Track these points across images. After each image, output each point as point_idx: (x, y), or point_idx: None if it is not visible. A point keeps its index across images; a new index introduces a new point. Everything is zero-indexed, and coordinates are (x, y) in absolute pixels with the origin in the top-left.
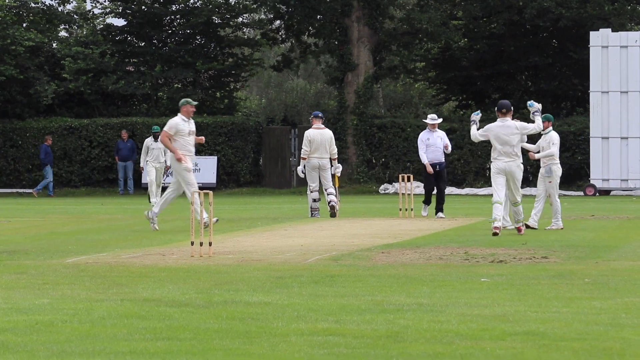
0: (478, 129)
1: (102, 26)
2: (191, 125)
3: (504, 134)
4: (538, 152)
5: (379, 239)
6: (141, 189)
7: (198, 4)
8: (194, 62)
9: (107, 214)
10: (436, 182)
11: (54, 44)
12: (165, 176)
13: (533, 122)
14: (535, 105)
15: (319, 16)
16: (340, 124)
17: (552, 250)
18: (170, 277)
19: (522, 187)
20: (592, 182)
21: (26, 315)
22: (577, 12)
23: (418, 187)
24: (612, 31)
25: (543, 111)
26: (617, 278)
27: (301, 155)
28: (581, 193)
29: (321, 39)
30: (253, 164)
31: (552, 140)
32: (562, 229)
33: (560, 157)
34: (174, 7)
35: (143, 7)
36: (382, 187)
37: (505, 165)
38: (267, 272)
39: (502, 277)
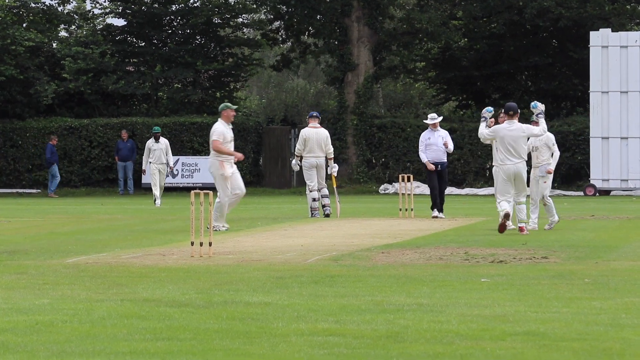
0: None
1: (102, 26)
2: (231, 131)
3: (511, 137)
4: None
5: (379, 239)
6: (141, 189)
7: (198, 4)
8: (194, 62)
9: (107, 214)
10: (434, 181)
11: (54, 44)
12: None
13: (536, 123)
14: (539, 107)
15: (319, 16)
16: (340, 124)
17: (552, 250)
18: (170, 277)
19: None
20: (592, 182)
21: (26, 315)
22: (577, 12)
23: (418, 187)
24: (612, 31)
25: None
26: (617, 278)
27: (295, 153)
28: (581, 193)
29: (321, 39)
30: (253, 164)
31: (551, 141)
32: (557, 221)
33: (561, 157)
34: (173, 7)
35: (143, 7)
36: (382, 187)
37: (513, 167)
38: (267, 272)
39: (502, 277)
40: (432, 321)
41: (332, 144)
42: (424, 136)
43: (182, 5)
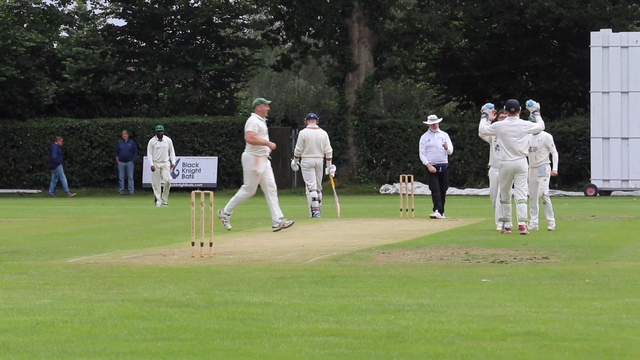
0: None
1: (102, 26)
2: (265, 126)
3: (513, 133)
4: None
5: (380, 240)
6: (142, 189)
7: (198, 4)
8: (195, 62)
9: (108, 214)
10: (435, 183)
11: (55, 44)
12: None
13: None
14: (534, 105)
15: (319, 17)
16: (341, 125)
17: (553, 250)
18: (171, 277)
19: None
20: (592, 182)
21: (27, 315)
22: (577, 13)
23: (419, 188)
24: (613, 31)
25: (543, 112)
26: (618, 278)
27: (294, 154)
28: (582, 193)
29: (322, 40)
30: None
31: (550, 142)
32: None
33: (561, 158)
34: (174, 8)
35: (143, 7)
36: (382, 187)
37: (513, 164)
38: (267, 273)
39: (503, 277)
40: (432, 321)
41: (332, 145)
42: (424, 138)
43: (183, 5)
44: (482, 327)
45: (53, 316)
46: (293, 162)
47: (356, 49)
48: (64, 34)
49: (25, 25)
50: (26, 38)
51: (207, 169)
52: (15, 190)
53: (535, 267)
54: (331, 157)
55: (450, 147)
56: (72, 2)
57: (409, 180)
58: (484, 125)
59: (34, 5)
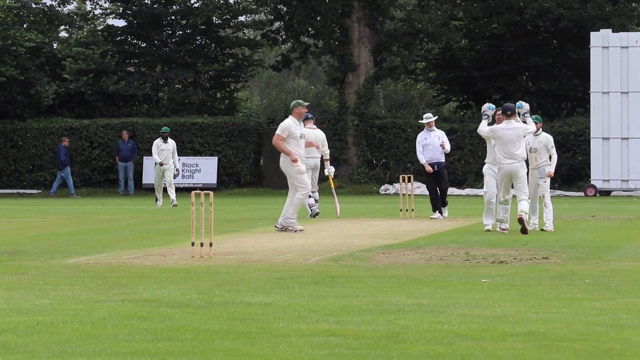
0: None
1: (102, 27)
2: (302, 128)
3: (510, 136)
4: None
5: (380, 240)
6: (142, 189)
7: (198, 4)
8: (195, 62)
9: (108, 214)
10: (436, 182)
11: (55, 45)
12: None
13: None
14: (524, 106)
15: (319, 17)
16: (341, 125)
17: (553, 250)
18: (171, 277)
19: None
20: (592, 182)
21: (27, 316)
22: (577, 13)
23: (419, 188)
24: (613, 32)
25: (543, 112)
26: (618, 279)
27: None
28: (582, 194)
29: (321, 40)
30: (254, 164)
31: (550, 143)
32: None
33: (561, 158)
34: (174, 8)
35: (143, 7)
36: (382, 187)
37: (509, 167)
38: (267, 273)
39: (503, 277)
40: (432, 321)
41: (332, 145)
42: (421, 137)
43: (183, 5)
44: (482, 327)
45: (53, 316)
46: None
47: (356, 49)
48: (63, 34)
49: (25, 26)
50: (26, 38)
51: (207, 169)
52: (15, 191)
53: (535, 268)
54: (329, 157)
55: (448, 146)
56: (72, 3)
57: (409, 181)
58: (484, 127)
59: (34, 6)
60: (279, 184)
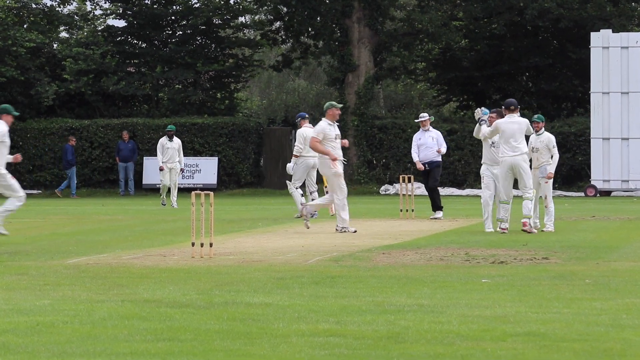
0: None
1: (102, 27)
2: (337, 129)
3: (512, 130)
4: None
5: (380, 240)
6: (142, 189)
7: (198, 4)
8: (195, 63)
9: (108, 214)
10: (426, 181)
11: (55, 45)
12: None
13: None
14: (487, 113)
15: (319, 17)
16: (341, 125)
17: (553, 251)
18: (171, 278)
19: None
20: (592, 183)
21: (27, 316)
22: (577, 13)
23: (419, 188)
24: (613, 32)
25: (543, 112)
26: (618, 279)
27: (294, 153)
28: (582, 194)
29: (322, 40)
30: (254, 164)
31: (552, 143)
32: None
33: (561, 158)
34: (174, 8)
35: (143, 8)
36: (382, 188)
37: (511, 160)
38: (267, 273)
39: (503, 278)
40: (432, 322)
41: None
42: (416, 136)
43: (182, 6)
44: (482, 327)
45: (53, 317)
46: (292, 164)
47: (356, 50)
48: (64, 34)
49: (25, 26)
50: (26, 39)
51: (207, 169)
52: None
53: (536, 268)
54: None
55: (443, 149)
56: (72, 3)
57: (409, 181)
58: (484, 130)
59: (34, 6)
60: (279, 185)
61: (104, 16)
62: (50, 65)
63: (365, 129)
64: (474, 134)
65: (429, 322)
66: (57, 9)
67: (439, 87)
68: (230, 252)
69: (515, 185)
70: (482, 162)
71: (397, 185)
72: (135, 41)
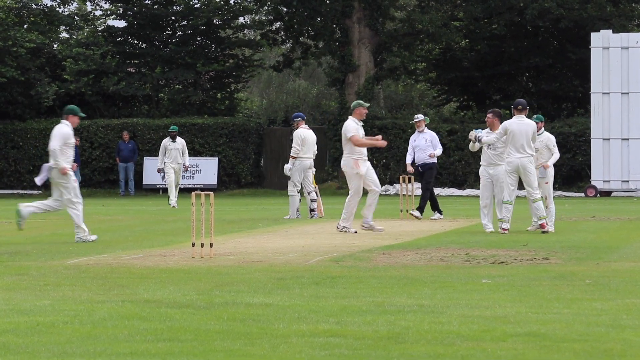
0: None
1: (103, 27)
2: (362, 129)
3: (521, 131)
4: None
5: (380, 240)
6: (142, 190)
7: (198, 5)
8: (195, 63)
9: (108, 215)
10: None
11: (55, 45)
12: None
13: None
14: (480, 131)
15: (319, 17)
16: (341, 125)
17: (553, 251)
18: (171, 278)
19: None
20: (593, 183)
21: (27, 316)
22: (578, 13)
23: (419, 189)
24: (613, 32)
25: (544, 112)
26: (618, 279)
27: (291, 154)
28: (582, 194)
29: (322, 40)
30: (254, 165)
31: (552, 142)
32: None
33: (561, 159)
34: (174, 9)
35: (143, 8)
36: (383, 188)
37: (518, 161)
38: (268, 274)
39: (503, 278)
40: (433, 322)
41: (332, 145)
42: (412, 138)
43: (183, 6)
44: (483, 328)
45: (53, 317)
46: (290, 165)
47: (356, 50)
48: (64, 35)
49: (25, 27)
50: (26, 39)
51: (207, 169)
52: (15, 191)
53: (536, 268)
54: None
55: (437, 151)
56: (73, 3)
57: (409, 181)
58: (491, 137)
59: (34, 6)
60: (279, 185)
61: (104, 16)
62: (51, 65)
63: (366, 129)
64: (470, 149)
65: (429, 323)
66: (57, 9)
67: (439, 88)
68: (230, 252)
69: (520, 185)
70: (480, 163)
71: (397, 186)
72: (135, 41)
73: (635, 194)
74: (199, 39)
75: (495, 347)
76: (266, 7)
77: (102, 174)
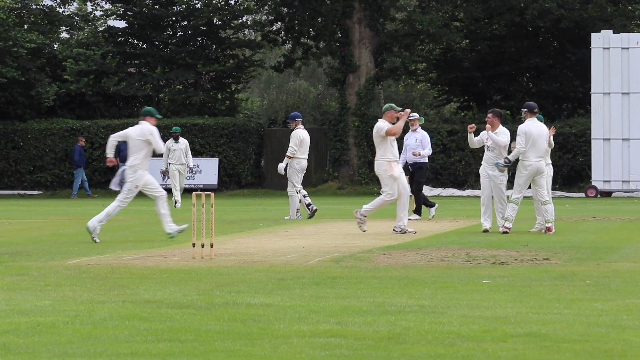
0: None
1: (103, 28)
2: None
3: (542, 134)
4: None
5: (380, 241)
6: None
7: (198, 5)
8: (195, 63)
9: None
10: (411, 183)
11: (55, 46)
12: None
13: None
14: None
15: (320, 18)
16: (342, 126)
17: (554, 251)
18: (172, 278)
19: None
20: (593, 183)
21: (28, 316)
22: (578, 14)
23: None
24: (614, 32)
25: (544, 113)
26: (619, 279)
27: (288, 154)
28: (582, 195)
29: (322, 41)
30: (254, 165)
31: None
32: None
33: (562, 159)
34: (174, 9)
35: (144, 9)
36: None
37: (537, 164)
38: (268, 274)
39: (504, 278)
40: (433, 322)
41: (333, 145)
42: (405, 137)
43: (183, 6)
44: (483, 328)
45: (54, 317)
46: (284, 164)
47: (357, 50)
48: (64, 35)
49: (25, 27)
50: (27, 39)
51: (207, 170)
52: (16, 192)
53: (536, 268)
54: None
55: (425, 151)
56: (73, 4)
57: (410, 182)
58: (516, 151)
59: (34, 7)
60: (279, 185)
61: (104, 17)
62: (51, 65)
63: (366, 129)
64: (469, 142)
65: (429, 323)
66: (57, 9)
67: (439, 88)
68: (230, 252)
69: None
70: (482, 162)
71: None
72: (135, 42)
73: (636, 194)
74: (199, 39)
75: (495, 347)
76: (267, 8)
77: (102, 174)
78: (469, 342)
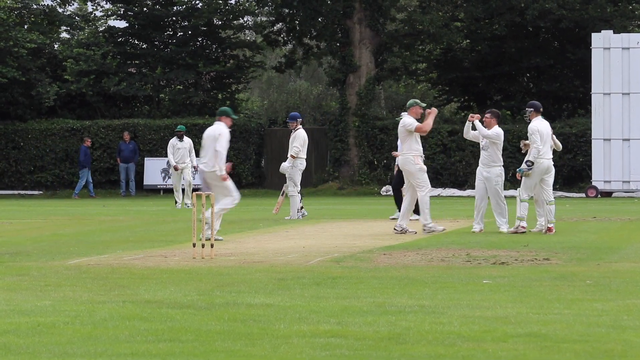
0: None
1: (103, 28)
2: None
3: (548, 132)
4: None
5: (381, 241)
6: (143, 190)
7: (199, 5)
8: (196, 63)
9: (109, 215)
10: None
11: (56, 46)
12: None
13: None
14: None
15: (320, 18)
16: (342, 126)
17: (554, 252)
18: (172, 278)
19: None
20: (593, 183)
21: (28, 317)
22: (578, 14)
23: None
24: (614, 33)
25: (544, 113)
26: (619, 280)
27: (292, 153)
28: (583, 195)
29: (323, 41)
30: (255, 165)
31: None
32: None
33: (562, 159)
34: (175, 9)
35: (144, 9)
36: (383, 188)
37: (548, 162)
38: (268, 274)
39: (504, 278)
40: (433, 323)
41: (334, 146)
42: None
43: (183, 7)
44: (483, 328)
45: (54, 317)
46: (288, 163)
47: (357, 50)
48: (65, 35)
49: (26, 27)
50: (27, 39)
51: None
52: (16, 192)
53: (537, 269)
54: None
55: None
56: (73, 4)
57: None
58: (534, 150)
59: (34, 7)
60: (280, 185)
61: (105, 17)
62: (51, 66)
63: (367, 129)
64: (464, 133)
65: (430, 323)
66: (58, 9)
67: (440, 88)
68: (231, 252)
69: (519, 184)
70: (480, 162)
71: None
72: (136, 42)
73: (636, 194)
74: (199, 39)
75: (496, 347)
76: (267, 8)
77: (103, 174)
78: (469, 342)
